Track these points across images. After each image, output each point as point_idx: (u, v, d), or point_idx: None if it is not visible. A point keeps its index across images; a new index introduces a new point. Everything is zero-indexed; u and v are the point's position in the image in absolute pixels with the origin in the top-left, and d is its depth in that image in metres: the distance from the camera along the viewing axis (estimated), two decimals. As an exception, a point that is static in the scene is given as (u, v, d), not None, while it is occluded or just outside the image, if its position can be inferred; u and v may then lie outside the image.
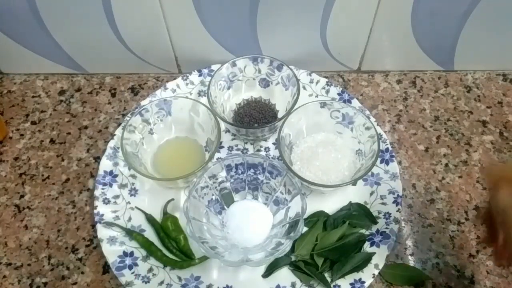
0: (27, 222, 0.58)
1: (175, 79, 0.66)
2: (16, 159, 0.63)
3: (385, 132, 0.62)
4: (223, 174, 0.55)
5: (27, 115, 0.67)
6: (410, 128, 0.65)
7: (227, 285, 0.53)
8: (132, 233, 0.55)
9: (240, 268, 0.53)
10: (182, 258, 0.54)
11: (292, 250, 0.53)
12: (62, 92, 0.70)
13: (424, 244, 0.56)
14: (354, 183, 0.56)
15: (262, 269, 0.53)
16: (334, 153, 0.57)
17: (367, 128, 0.56)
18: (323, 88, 0.65)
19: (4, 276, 0.55)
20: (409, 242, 0.56)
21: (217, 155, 0.61)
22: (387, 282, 0.53)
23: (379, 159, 0.58)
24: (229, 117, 0.63)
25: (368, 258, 0.52)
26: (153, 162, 0.60)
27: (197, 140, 0.61)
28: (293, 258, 0.53)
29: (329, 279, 0.52)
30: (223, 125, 0.63)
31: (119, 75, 0.71)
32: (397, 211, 0.55)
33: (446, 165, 0.61)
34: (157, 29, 0.62)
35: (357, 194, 0.57)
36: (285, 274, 0.53)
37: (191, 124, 0.60)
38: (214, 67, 0.66)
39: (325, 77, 0.66)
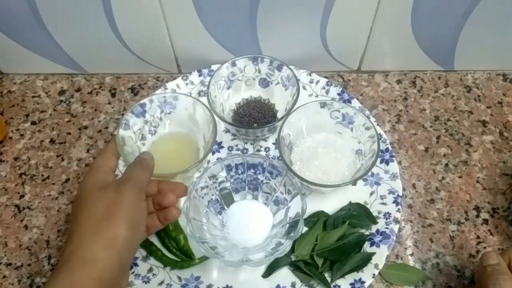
0: (27, 222, 0.58)
1: (175, 79, 0.66)
2: (16, 159, 0.63)
3: (385, 132, 0.62)
4: (223, 174, 0.55)
5: (27, 115, 0.67)
6: (410, 128, 0.65)
7: (227, 285, 0.53)
8: (132, 233, 0.55)
9: (240, 268, 0.53)
10: (182, 258, 0.54)
11: (292, 250, 0.53)
12: (62, 92, 0.70)
13: (424, 244, 0.56)
14: (354, 183, 0.56)
15: (262, 269, 0.53)
16: (334, 153, 0.57)
17: (367, 128, 0.56)
18: (323, 88, 0.65)
19: (4, 276, 0.55)
20: (409, 242, 0.56)
21: (217, 155, 0.61)
22: (387, 282, 0.53)
23: (379, 159, 0.58)
24: (229, 116, 0.63)
25: (368, 258, 0.52)
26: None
27: (193, 136, 0.60)
28: (293, 258, 0.53)
29: (329, 279, 0.52)
30: (223, 125, 0.63)
31: (119, 75, 0.71)
32: (397, 211, 0.55)
33: (446, 165, 0.61)
34: (157, 29, 0.62)
35: (357, 194, 0.57)
36: (285, 274, 0.53)
37: (187, 121, 0.59)
38: (214, 67, 0.66)
39: (325, 77, 0.66)
